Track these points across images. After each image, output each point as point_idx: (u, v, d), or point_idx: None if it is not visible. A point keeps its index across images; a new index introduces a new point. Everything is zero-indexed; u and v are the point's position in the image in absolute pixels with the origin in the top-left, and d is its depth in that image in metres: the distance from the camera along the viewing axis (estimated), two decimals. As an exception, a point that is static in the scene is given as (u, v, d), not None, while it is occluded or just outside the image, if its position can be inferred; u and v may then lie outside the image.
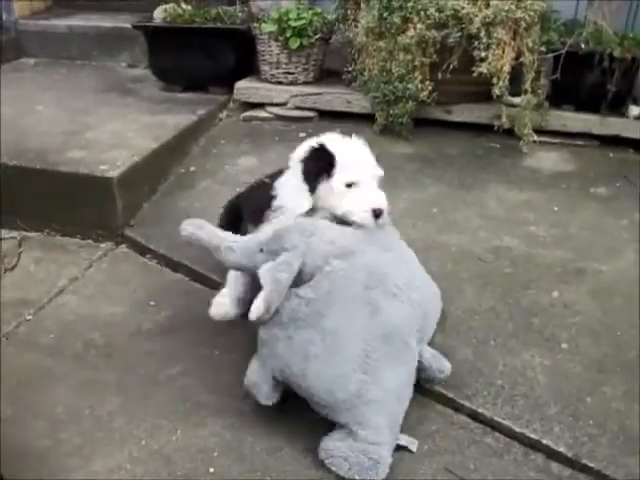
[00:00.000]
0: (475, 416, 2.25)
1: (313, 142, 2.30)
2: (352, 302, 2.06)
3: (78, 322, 2.72)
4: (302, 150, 2.32)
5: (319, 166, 2.24)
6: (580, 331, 2.52)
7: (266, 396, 2.16)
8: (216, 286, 2.81)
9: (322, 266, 2.08)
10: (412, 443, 2.14)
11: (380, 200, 2.22)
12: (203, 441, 2.16)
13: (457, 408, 2.28)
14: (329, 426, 2.10)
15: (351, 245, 2.14)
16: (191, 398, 2.31)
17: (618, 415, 2.21)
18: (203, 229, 2.24)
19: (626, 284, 2.74)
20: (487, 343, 2.47)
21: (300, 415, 2.19)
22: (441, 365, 2.22)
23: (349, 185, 2.22)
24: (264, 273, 2.04)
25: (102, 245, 3.23)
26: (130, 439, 2.18)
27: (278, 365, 2.09)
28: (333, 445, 2.04)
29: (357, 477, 1.99)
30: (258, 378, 2.15)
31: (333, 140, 2.30)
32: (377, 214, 2.19)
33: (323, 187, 2.24)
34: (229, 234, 2.25)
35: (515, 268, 2.83)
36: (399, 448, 2.11)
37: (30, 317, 2.74)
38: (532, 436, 2.16)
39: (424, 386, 2.31)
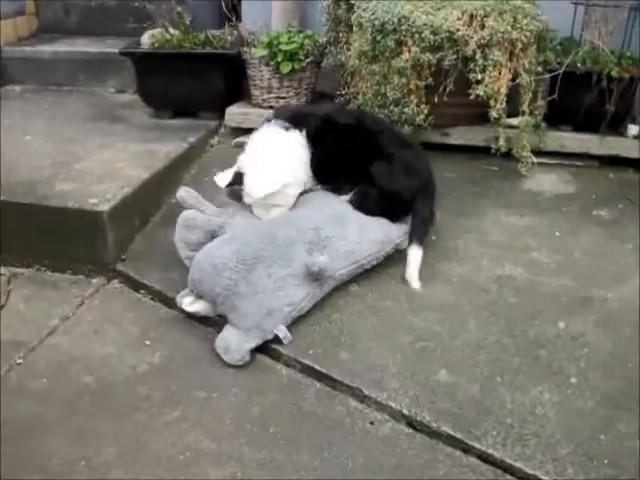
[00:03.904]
0: (485, 458, 2.16)
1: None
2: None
3: (71, 364, 2.62)
4: None
5: None
6: (589, 364, 2.44)
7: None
8: (212, 324, 2.74)
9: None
10: (286, 338, 2.55)
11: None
12: (204, 493, 2.08)
13: (466, 449, 2.19)
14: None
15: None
16: (190, 446, 2.22)
17: (634, 454, 2.12)
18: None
19: (634, 312, 2.67)
20: (494, 379, 2.39)
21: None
22: (311, 262, 2.62)
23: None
24: None
25: (94, 281, 3.12)
26: (128, 492, 2.09)
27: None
28: (220, 336, 2.61)
29: (223, 355, 2.56)
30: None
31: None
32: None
33: None
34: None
35: (519, 298, 2.75)
36: None
37: (21, 360, 2.64)
38: (545, 478, 2.07)
39: (431, 428, 2.24)
